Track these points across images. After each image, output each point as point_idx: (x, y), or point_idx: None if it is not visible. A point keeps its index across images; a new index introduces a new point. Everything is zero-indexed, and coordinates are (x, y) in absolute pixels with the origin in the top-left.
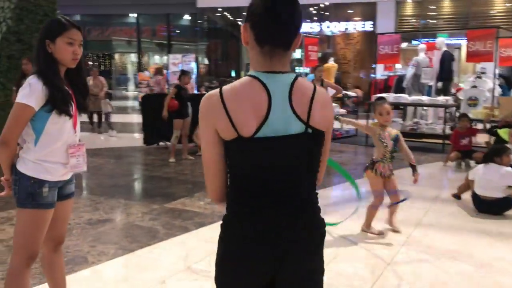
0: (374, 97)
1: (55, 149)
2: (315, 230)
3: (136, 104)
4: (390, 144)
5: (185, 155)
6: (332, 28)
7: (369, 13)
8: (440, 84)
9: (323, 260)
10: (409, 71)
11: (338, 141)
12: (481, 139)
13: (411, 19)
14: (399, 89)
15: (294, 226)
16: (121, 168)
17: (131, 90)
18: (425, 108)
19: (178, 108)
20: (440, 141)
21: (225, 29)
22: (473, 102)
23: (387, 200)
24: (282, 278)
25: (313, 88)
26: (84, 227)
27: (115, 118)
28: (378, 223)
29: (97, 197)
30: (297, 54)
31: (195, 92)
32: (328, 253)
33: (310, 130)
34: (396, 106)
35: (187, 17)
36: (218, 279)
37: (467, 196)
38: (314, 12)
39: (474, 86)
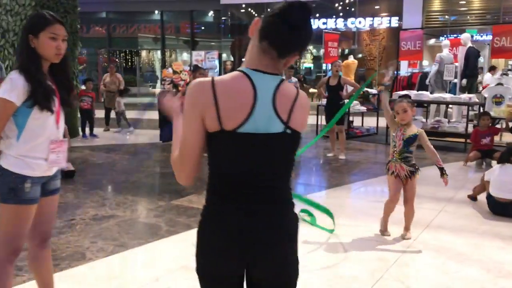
0: (395, 94)
1: (37, 145)
2: (289, 223)
3: None
4: (399, 144)
5: None
6: (357, 24)
7: (396, 8)
8: (464, 81)
9: (297, 251)
10: (433, 68)
11: (359, 139)
12: (506, 138)
13: (439, 15)
14: (423, 87)
15: (269, 218)
16: (134, 165)
17: (159, 87)
18: (450, 106)
19: None
20: (463, 140)
21: (249, 25)
22: (498, 100)
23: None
24: (258, 268)
25: (296, 92)
26: (88, 223)
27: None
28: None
29: (105, 193)
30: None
31: None
32: (329, 256)
33: (289, 131)
34: (420, 104)
35: (211, 13)
36: (199, 269)
37: (483, 197)
38: (340, 7)
39: (500, 84)
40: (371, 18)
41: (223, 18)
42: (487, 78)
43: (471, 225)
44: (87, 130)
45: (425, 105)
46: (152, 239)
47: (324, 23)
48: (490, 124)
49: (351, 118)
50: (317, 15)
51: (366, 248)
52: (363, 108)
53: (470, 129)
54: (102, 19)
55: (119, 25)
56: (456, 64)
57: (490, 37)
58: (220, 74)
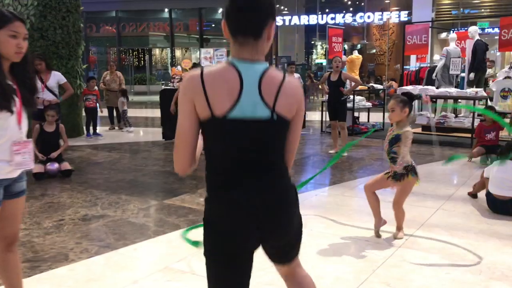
0: (399, 89)
1: None
2: (291, 194)
3: None
4: (386, 145)
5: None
6: (366, 18)
7: (405, 2)
8: (472, 75)
9: (301, 216)
10: (439, 62)
11: (361, 135)
12: None
13: (450, 8)
14: (431, 81)
15: (274, 193)
16: (133, 163)
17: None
18: (459, 100)
19: None
20: (469, 135)
21: None
22: (506, 93)
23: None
24: (271, 238)
25: (282, 77)
26: (77, 223)
27: (147, 112)
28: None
29: (100, 192)
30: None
31: None
32: (314, 255)
33: (275, 117)
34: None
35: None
36: (210, 252)
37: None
38: (349, 2)
39: (508, 77)
40: (380, 13)
41: None
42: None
43: (468, 224)
44: (91, 129)
45: (433, 100)
46: (138, 240)
47: (332, 18)
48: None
49: (356, 114)
50: (327, 10)
51: (355, 248)
52: (369, 104)
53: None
54: (111, 18)
55: (129, 24)
56: (464, 57)
57: None
58: None
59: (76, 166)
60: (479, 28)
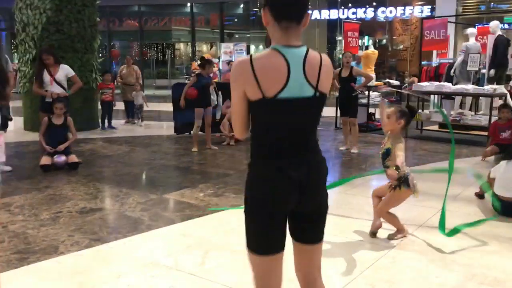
0: (415, 86)
1: None
2: (324, 167)
3: None
4: (380, 155)
5: (208, 144)
6: (388, 13)
7: None
8: (492, 71)
9: (327, 194)
10: (458, 58)
11: (378, 132)
12: None
13: (478, 3)
14: (450, 77)
15: (313, 165)
16: (142, 157)
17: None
18: (481, 98)
19: (197, 97)
20: (486, 133)
21: None
22: None
23: None
24: (304, 203)
25: (319, 57)
26: (73, 216)
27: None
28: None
29: (102, 185)
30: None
31: None
32: None
33: (318, 94)
34: (448, 95)
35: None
36: (254, 211)
37: None
38: None
39: None
40: (402, 7)
41: (253, 10)
42: None
43: None
44: (106, 122)
45: (453, 97)
46: (130, 234)
47: (353, 13)
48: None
49: (372, 110)
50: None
51: (347, 248)
52: (385, 100)
53: None
54: (134, 12)
55: (151, 18)
56: (484, 53)
57: None
58: None
59: (85, 158)
60: (506, 23)
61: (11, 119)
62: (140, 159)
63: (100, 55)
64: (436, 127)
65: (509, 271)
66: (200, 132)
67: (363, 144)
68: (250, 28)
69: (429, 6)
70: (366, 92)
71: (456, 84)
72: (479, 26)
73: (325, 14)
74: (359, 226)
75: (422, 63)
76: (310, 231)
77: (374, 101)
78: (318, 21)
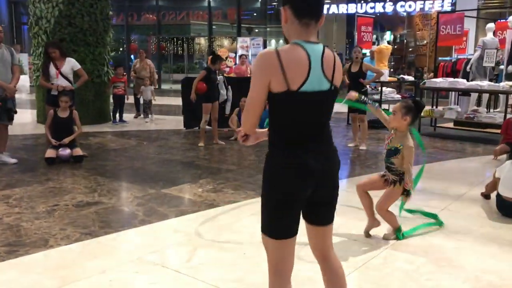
0: (429, 82)
1: None
2: (337, 157)
3: None
4: (385, 152)
5: (215, 139)
6: (407, 8)
7: None
8: (510, 67)
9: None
10: (475, 53)
11: (385, 129)
12: None
13: None
14: (467, 73)
15: (328, 155)
16: (147, 151)
17: None
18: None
19: (206, 92)
20: (499, 131)
21: None
22: None
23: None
24: (320, 191)
25: (333, 55)
26: (68, 209)
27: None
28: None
29: (103, 179)
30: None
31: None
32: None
33: (333, 88)
34: (465, 92)
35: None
36: (273, 198)
37: None
38: None
39: None
40: (422, 2)
41: (272, 4)
42: None
43: (470, 227)
44: (117, 115)
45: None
46: (121, 228)
47: (372, 8)
48: None
49: (385, 106)
50: None
51: (339, 247)
52: (398, 96)
53: None
54: (152, 6)
55: (168, 12)
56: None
57: None
58: None
59: (91, 152)
60: None
61: (15, 112)
62: (145, 153)
63: (121, 49)
64: (450, 125)
65: (506, 275)
66: (208, 127)
67: (374, 141)
68: (268, 23)
69: (450, 1)
70: (379, 88)
71: (472, 80)
72: (500, 21)
73: (343, 9)
74: (354, 225)
75: (441, 58)
76: (324, 215)
77: (387, 97)
78: (336, 15)
